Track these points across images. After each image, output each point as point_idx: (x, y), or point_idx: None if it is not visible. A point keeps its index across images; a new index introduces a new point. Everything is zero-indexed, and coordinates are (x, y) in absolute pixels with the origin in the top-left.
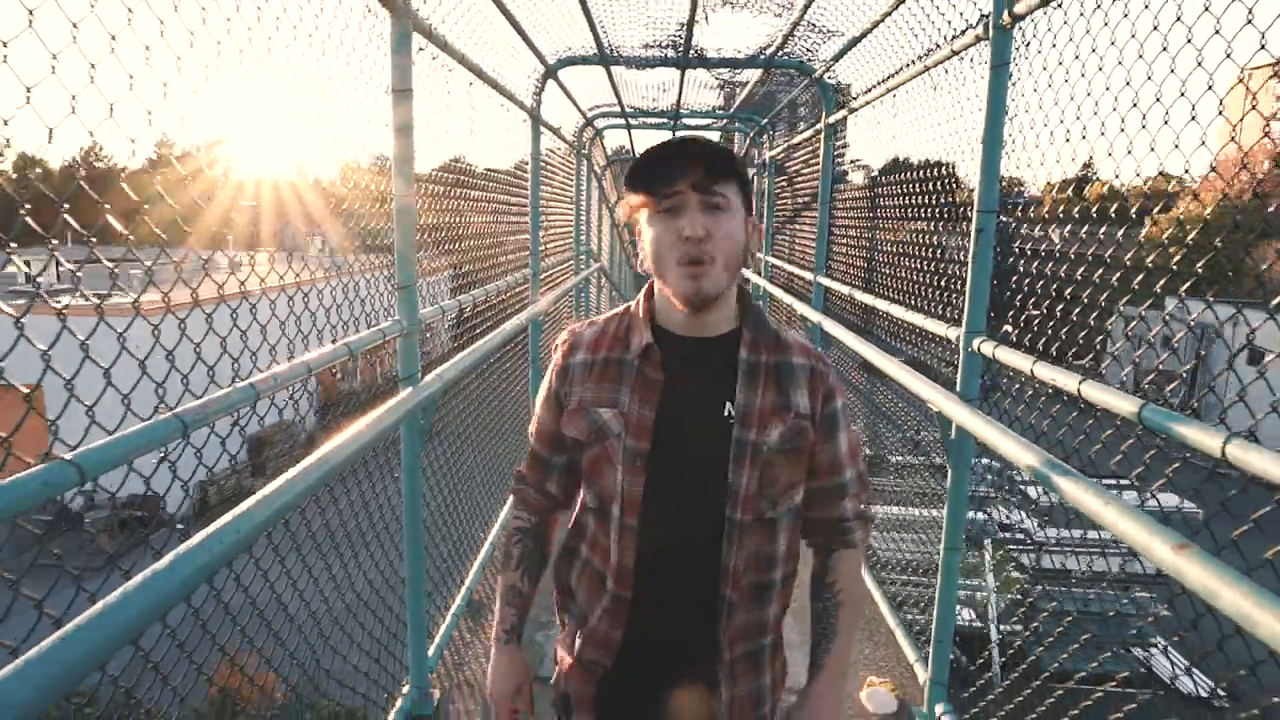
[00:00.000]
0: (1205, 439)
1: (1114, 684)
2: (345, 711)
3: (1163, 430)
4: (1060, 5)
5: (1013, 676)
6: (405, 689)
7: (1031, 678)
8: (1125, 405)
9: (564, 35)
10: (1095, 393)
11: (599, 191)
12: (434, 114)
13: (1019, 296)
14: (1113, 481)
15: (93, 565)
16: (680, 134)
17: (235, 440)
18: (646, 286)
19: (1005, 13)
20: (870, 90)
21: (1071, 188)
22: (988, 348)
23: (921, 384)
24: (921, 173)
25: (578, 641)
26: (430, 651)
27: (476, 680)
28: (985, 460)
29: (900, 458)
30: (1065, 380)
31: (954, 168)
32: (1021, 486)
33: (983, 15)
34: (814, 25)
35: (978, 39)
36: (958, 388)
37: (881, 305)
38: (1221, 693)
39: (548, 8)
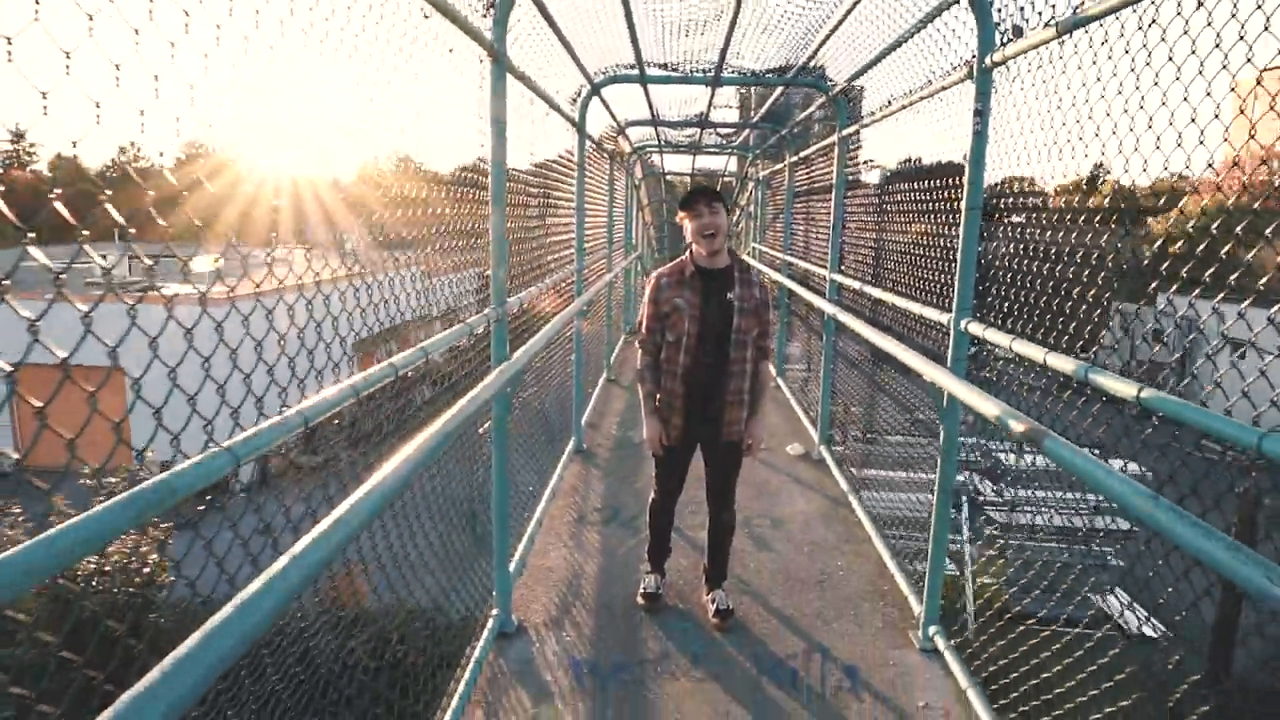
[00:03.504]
0: (999, 340)
1: (1100, 627)
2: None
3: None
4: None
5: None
6: (571, 440)
7: (1003, 619)
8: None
9: (629, 109)
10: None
11: (637, 201)
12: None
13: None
14: None
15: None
16: (699, 184)
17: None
18: (687, 250)
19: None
20: (804, 150)
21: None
22: (838, 277)
23: (803, 290)
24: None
25: (664, 397)
26: (585, 419)
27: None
28: (972, 439)
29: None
30: (869, 290)
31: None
32: (997, 455)
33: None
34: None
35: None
36: (828, 296)
37: (809, 266)
38: (1170, 634)
39: (626, 101)
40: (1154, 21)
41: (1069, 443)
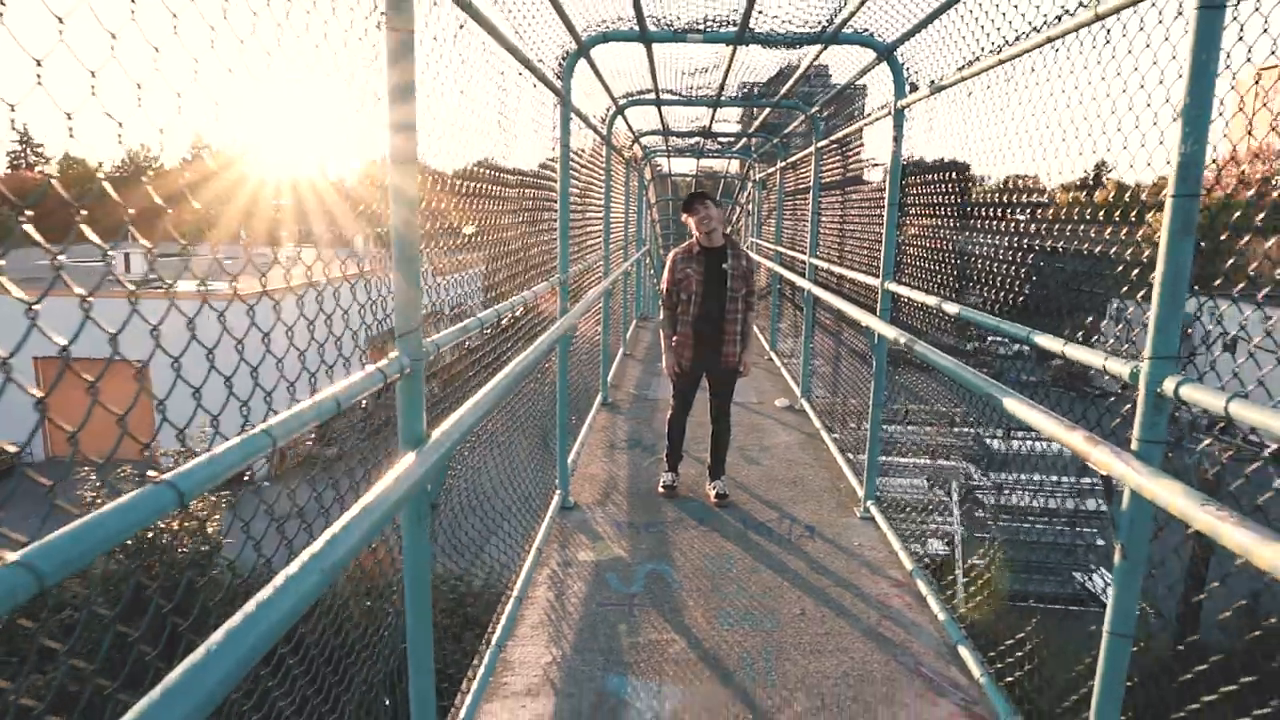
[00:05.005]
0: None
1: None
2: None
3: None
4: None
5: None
6: (599, 395)
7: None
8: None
9: (641, 120)
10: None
11: (646, 201)
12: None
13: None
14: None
15: None
16: (694, 190)
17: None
18: (692, 237)
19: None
20: (794, 158)
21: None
22: (816, 261)
23: (789, 273)
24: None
25: (679, 339)
26: (610, 378)
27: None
28: (967, 429)
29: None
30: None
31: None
32: (986, 440)
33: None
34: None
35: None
36: (807, 276)
37: (794, 254)
38: (1149, 609)
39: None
40: (969, 92)
41: (930, 346)
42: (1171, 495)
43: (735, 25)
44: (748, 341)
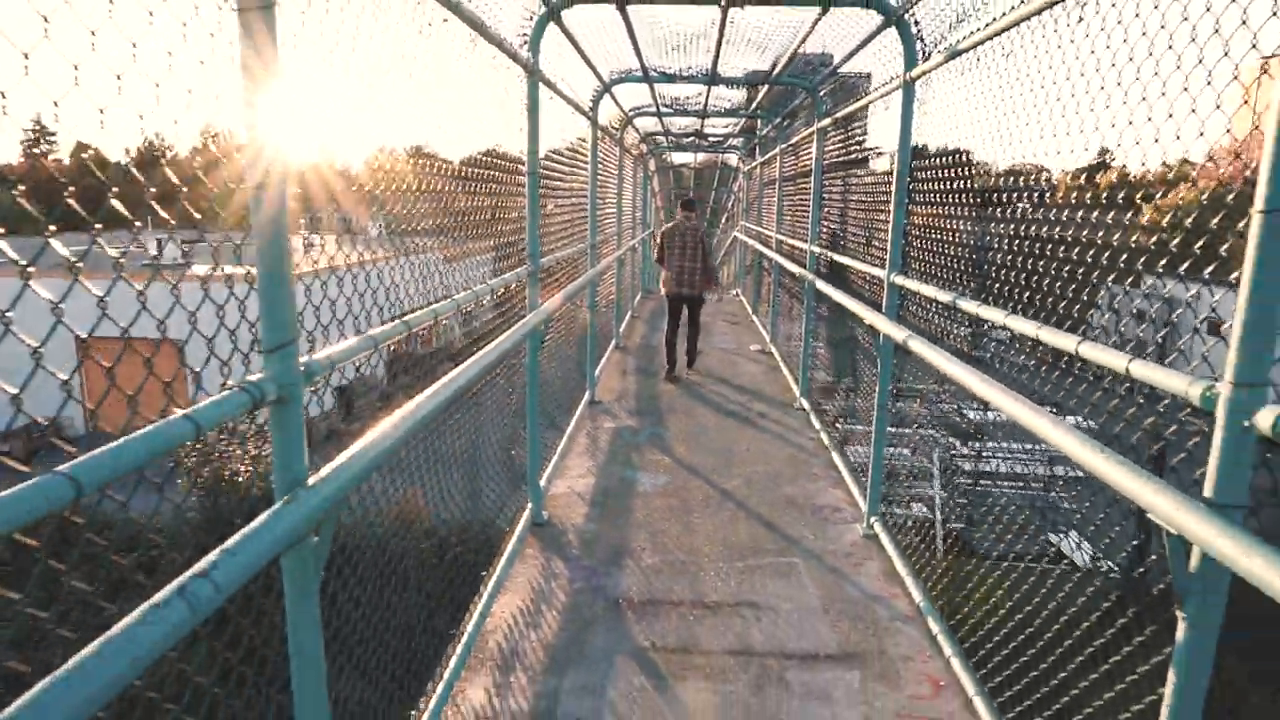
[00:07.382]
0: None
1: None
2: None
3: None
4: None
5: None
6: (613, 341)
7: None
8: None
9: (645, 123)
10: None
11: (651, 190)
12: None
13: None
14: None
15: None
16: (689, 197)
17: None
18: (675, 218)
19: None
20: (769, 156)
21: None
22: (780, 236)
23: (763, 248)
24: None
25: (667, 281)
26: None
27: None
28: (955, 406)
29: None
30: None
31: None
32: (963, 413)
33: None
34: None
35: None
36: (774, 249)
37: (767, 233)
38: (1113, 567)
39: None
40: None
41: (826, 284)
42: (897, 333)
43: (707, 72)
44: (710, 278)
